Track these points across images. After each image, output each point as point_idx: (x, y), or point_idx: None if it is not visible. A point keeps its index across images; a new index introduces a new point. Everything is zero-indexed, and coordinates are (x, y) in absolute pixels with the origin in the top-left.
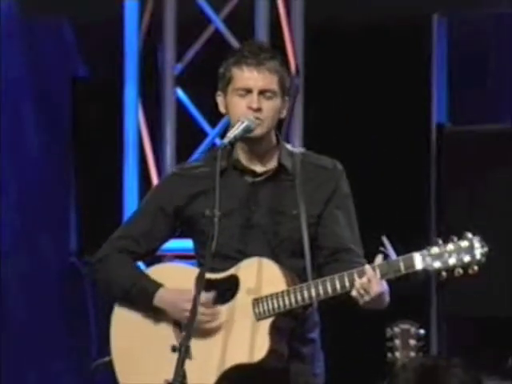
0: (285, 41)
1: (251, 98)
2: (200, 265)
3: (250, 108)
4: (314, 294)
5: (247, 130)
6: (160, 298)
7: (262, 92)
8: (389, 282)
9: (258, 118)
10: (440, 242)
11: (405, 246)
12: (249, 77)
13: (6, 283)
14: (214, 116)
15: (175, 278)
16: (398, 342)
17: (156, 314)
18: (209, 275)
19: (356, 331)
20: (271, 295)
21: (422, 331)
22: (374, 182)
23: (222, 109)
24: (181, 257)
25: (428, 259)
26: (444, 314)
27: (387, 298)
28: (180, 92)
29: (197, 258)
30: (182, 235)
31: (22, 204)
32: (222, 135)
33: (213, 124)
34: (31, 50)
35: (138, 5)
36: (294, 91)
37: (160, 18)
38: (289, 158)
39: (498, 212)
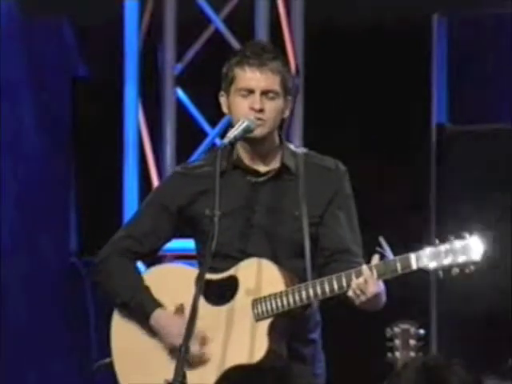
0: (285, 41)
1: (253, 98)
2: (201, 265)
3: (252, 109)
4: (312, 294)
5: (247, 130)
6: (156, 320)
7: (264, 92)
8: (386, 282)
9: (260, 119)
10: (437, 241)
11: (405, 247)
12: (251, 77)
13: (6, 283)
14: (214, 116)
15: (175, 278)
16: (398, 342)
17: None
18: (208, 276)
19: (356, 331)
20: (270, 296)
21: (421, 331)
22: (374, 182)
23: (224, 109)
24: (181, 257)
25: (424, 259)
26: (444, 314)
27: (383, 299)
28: (180, 92)
29: (198, 258)
30: (182, 235)
31: (21, 204)
32: (222, 135)
33: (213, 124)
34: (31, 50)
35: (138, 5)
36: (294, 91)
37: (160, 18)
38: (292, 158)
39: (499, 212)
